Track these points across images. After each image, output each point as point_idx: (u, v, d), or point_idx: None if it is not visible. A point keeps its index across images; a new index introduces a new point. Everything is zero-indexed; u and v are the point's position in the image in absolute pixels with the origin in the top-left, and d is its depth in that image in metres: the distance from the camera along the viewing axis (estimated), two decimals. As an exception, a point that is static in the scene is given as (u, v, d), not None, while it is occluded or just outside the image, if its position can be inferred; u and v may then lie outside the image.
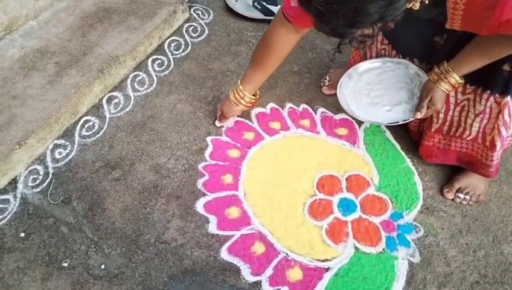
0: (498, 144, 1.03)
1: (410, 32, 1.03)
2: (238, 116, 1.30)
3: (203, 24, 1.60)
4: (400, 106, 1.10)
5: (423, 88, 1.03)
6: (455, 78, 0.95)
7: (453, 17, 0.80)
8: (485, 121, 1.04)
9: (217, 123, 1.27)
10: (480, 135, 1.06)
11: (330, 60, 1.40)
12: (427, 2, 0.72)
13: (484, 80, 0.98)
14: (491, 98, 0.99)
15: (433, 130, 1.12)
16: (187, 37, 1.55)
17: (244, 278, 0.99)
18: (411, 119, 1.07)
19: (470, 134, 1.08)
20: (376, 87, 1.15)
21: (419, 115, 1.03)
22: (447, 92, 0.99)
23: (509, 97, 0.97)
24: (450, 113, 1.08)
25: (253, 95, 1.20)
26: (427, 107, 1.02)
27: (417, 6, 0.70)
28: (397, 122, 1.08)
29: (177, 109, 1.32)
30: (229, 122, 1.28)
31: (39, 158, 1.17)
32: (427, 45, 1.05)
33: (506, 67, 0.92)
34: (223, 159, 1.21)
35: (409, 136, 1.25)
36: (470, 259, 1.04)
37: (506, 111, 0.98)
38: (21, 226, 1.04)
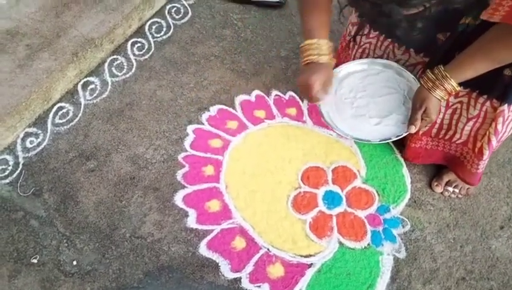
0: (486, 153, 0.96)
1: (412, 26, 0.93)
2: (221, 104, 1.25)
3: (187, 5, 1.52)
4: (389, 117, 0.98)
5: (416, 97, 0.91)
6: (452, 84, 0.84)
7: (497, 8, 0.69)
8: (477, 125, 0.95)
9: (320, 100, 0.94)
10: (471, 140, 0.98)
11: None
12: None
13: (481, 84, 0.88)
14: (487, 103, 0.90)
15: (421, 132, 1.03)
16: (169, 19, 1.47)
17: (223, 275, 0.95)
18: (404, 134, 0.95)
19: (460, 137, 1.00)
20: (360, 95, 1.01)
21: (413, 130, 0.91)
22: (442, 100, 0.88)
23: (506, 105, 0.88)
24: (441, 116, 0.98)
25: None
26: (421, 119, 0.91)
27: None
28: (389, 138, 0.96)
29: (157, 96, 1.26)
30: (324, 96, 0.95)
31: (8, 147, 1.11)
32: (428, 39, 0.93)
33: (507, 72, 0.84)
34: (204, 150, 1.16)
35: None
36: (456, 254, 1.02)
37: (500, 120, 0.90)
38: (-12, 220, 0.99)
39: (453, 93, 0.87)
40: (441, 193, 1.10)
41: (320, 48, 0.91)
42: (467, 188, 1.09)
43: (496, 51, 0.76)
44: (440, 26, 0.87)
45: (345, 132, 0.99)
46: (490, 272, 0.99)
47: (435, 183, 1.10)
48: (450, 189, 1.09)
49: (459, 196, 1.10)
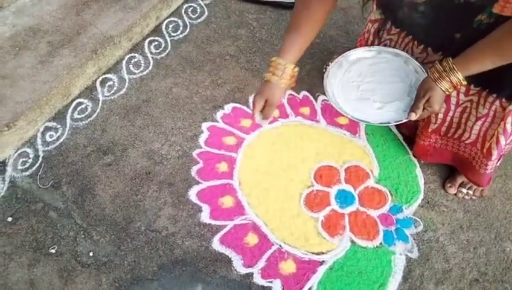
0: (494, 153, 0.96)
1: (433, 23, 0.92)
2: (235, 103, 1.26)
3: (203, 5, 1.54)
4: (392, 103, 0.99)
5: (421, 86, 0.92)
6: (459, 77, 0.84)
7: (508, 0, 0.71)
8: (486, 125, 0.96)
9: (261, 121, 0.99)
10: (480, 140, 0.99)
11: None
12: None
13: (491, 83, 0.89)
14: (497, 102, 0.91)
15: (430, 130, 1.05)
16: (186, 19, 1.49)
17: (235, 270, 0.96)
18: (404, 120, 0.96)
19: (469, 137, 1.00)
20: (367, 80, 1.02)
21: (413, 117, 0.92)
22: (447, 92, 0.88)
23: None
24: (450, 114, 0.99)
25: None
26: (423, 108, 0.91)
27: None
28: (388, 122, 0.97)
29: (173, 93, 1.28)
30: (267, 122, 0.99)
31: (29, 141, 1.14)
32: (446, 38, 0.93)
33: None
34: (218, 147, 1.17)
35: (401, 128, 1.20)
36: (470, 256, 1.01)
37: (509, 119, 0.91)
38: (9, 210, 1.02)
39: (459, 86, 0.86)
40: (455, 194, 1.10)
41: (286, 71, 0.95)
42: (481, 190, 1.09)
43: (505, 47, 0.76)
44: (458, 26, 0.87)
45: (346, 111, 0.99)
46: (504, 275, 0.98)
47: (449, 185, 1.10)
48: (464, 190, 1.09)
49: (473, 197, 1.09)
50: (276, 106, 0.98)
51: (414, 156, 1.15)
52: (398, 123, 0.96)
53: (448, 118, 1.00)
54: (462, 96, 0.95)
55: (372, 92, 1.01)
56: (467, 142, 1.02)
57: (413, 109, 0.92)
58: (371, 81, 1.02)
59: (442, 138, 1.06)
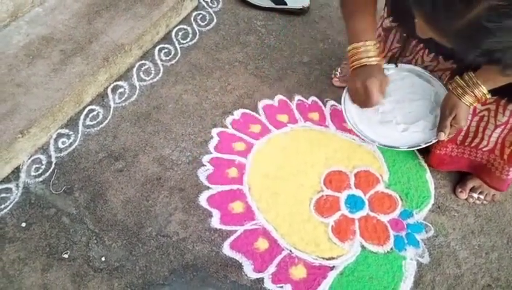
0: None
1: None
2: (244, 108, 1.27)
3: (212, 12, 1.56)
4: (417, 123, 0.96)
5: (445, 104, 0.90)
6: (483, 91, 0.83)
7: None
8: (505, 132, 0.94)
9: (381, 101, 0.93)
10: (499, 147, 0.97)
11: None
12: None
13: (509, 92, 0.87)
14: None
15: (446, 139, 1.02)
16: (195, 26, 1.51)
17: (246, 275, 0.97)
18: (434, 141, 0.93)
19: (487, 145, 0.99)
20: (385, 100, 0.98)
21: (443, 137, 0.89)
22: (471, 106, 0.86)
23: None
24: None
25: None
26: (450, 126, 0.90)
27: None
28: (419, 145, 0.94)
29: (183, 100, 1.29)
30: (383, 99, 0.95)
31: (42, 147, 1.16)
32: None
33: None
34: (228, 152, 1.18)
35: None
36: (481, 261, 1.00)
37: None
38: (22, 215, 1.03)
39: (483, 99, 0.86)
40: (466, 199, 1.09)
41: (368, 50, 0.88)
42: (493, 194, 1.08)
43: None
44: None
45: (371, 138, 0.97)
46: (517, 281, 0.97)
47: (459, 190, 1.09)
48: (475, 195, 1.08)
49: (484, 202, 1.09)
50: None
51: (429, 165, 1.14)
52: (428, 144, 0.93)
53: (465, 127, 0.99)
54: (478, 106, 0.94)
55: (392, 113, 0.98)
56: (484, 149, 1.01)
57: (440, 128, 0.90)
58: (390, 101, 0.99)
59: (459, 146, 1.04)
